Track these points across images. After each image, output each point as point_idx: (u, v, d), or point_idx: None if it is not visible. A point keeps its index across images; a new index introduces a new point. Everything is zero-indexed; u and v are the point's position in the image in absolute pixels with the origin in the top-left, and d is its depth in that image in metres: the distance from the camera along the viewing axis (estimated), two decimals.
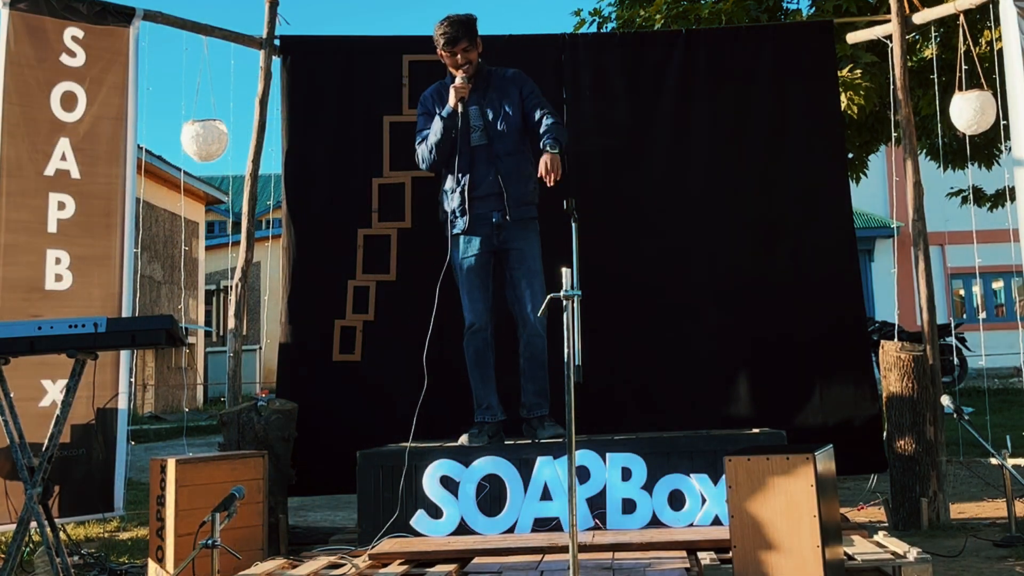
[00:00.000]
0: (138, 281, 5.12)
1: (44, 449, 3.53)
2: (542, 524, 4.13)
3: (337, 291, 5.25)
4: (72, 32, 4.93)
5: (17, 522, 3.59)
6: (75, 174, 4.88)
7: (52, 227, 4.80)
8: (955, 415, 4.68)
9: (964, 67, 5.27)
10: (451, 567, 3.68)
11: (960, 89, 5.26)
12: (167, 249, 16.57)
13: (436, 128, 4.56)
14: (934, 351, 5.08)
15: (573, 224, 3.45)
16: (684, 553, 3.73)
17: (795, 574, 3.08)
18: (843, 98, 6.58)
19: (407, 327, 5.17)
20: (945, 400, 4.81)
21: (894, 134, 6.89)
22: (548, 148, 4.42)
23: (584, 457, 4.18)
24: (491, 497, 4.18)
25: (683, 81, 5.43)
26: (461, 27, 4.49)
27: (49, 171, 4.82)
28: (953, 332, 11.91)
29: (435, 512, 4.18)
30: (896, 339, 5.23)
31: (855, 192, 5.91)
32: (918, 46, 8.03)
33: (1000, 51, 5.46)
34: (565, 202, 3.49)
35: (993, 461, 4.63)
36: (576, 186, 5.14)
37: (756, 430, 4.67)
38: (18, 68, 4.78)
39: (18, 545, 3.55)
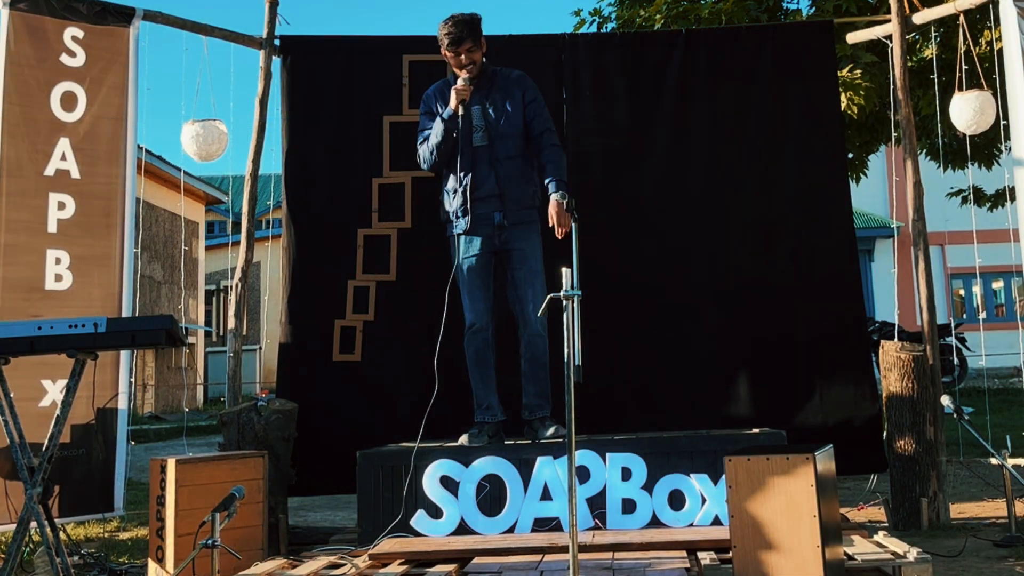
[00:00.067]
0: (138, 281, 5.12)
1: (44, 449, 3.53)
2: (542, 524, 4.13)
3: (337, 291, 5.25)
4: (72, 32, 4.93)
5: (17, 522, 3.59)
6: (75, 174, 4.88)
7: (52, 227, 4.80)
8: (955, 415, 4.68)
9: (964, 67, 5.27)
10: (451, 567, 3.68)
11: (960, 89, 5.26)
12: (167, 249, 16.57)
13: (437, 129, 4.56)
14: (934, 351, 5.08)
15: (573, 224, 3.46)
16: (684, 553, 3.73)
17: (795, 574, 3.08)
18: (843, 98, 6.58)
19: (407, 327, 5.19)
20: (945, 400, 4.81)
21: (894, 134, 6.89)
22: (552, 191, 4.43)
23: (584, 457, 4.18)
24: (491, 497, 4.18)
25: (683, 81, 5.43)
26: (465, 27, 4.48)
27: (49, 171, 4.82)
28: (953, 332, 11.91)
29: (435, 512, 4.18)
30: (896, 339, 5.23)
31: (855, 192, 5.91)
32: (918, 46, 8.03)
33: (1000, 51, 5.47)
34: (565, 202, 3.50)
35: (993, 461, 4.63)
36: (576, 186, 5.13)
37: (756, 430, 4.67)
38: (18, 68, 4.78)
39: (18, 545, 3.55)
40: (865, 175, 8.97)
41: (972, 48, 5.37)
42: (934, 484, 4.88)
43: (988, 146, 8.36)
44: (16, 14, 4.80)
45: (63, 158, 4.85)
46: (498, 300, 4.66)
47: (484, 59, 4.60)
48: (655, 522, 4.12)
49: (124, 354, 4.91)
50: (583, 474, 4.16)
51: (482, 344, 4.59)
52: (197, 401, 17.35)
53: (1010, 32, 4.98)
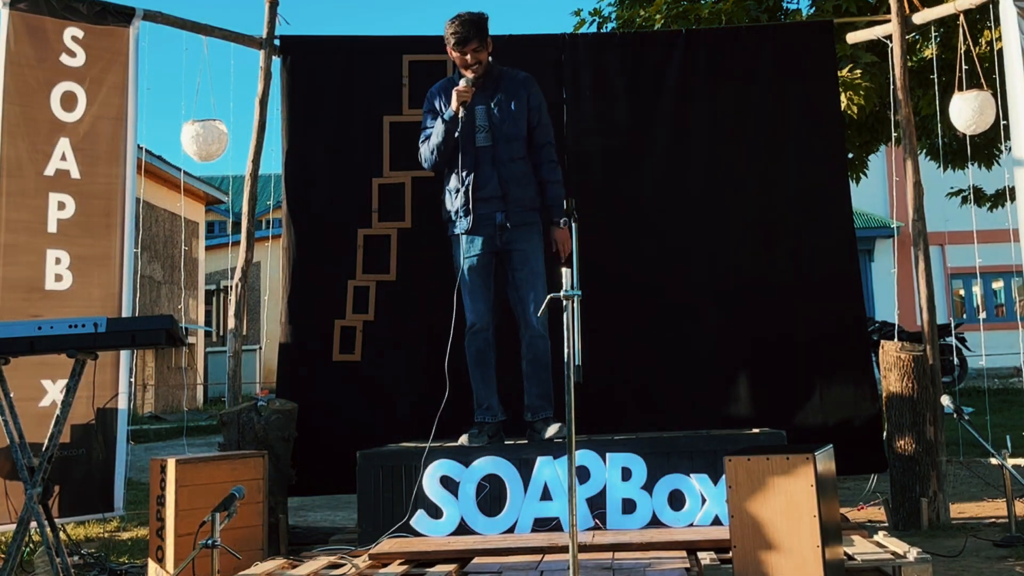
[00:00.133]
0: (138, 281, 5.12)
1: (44, 449, 3.53)
2: (542, 524, 4.13)
3: (337, 291, 5.25)
4: (72, 32, 4.93)
5: (17, 522, 3.59)
6: (75, 174, 4.88)
7: (52, 227, 4.80)
8: (955, 415, 4.68)
9: (964, 67, 5.27)
10: (451, 567, 3.68)
11: (960, 89, 5.26)
12: (167, 249, 16.57)
13: (438, 130, 4.56)
14: (934, 351, 5.08)
15: (573, 224, 3.46)
16: (684, 553, 3.73)
17: (795, 574, 3.08)
18: (843, 98, 6.58)
19: (407, 327, 5.19)
20: (945, 400, 4.81)
21: (894, 134, 6.89)
22: (554, 216, 4.58)
23: (584, 457, 4.17)
24: (491, 497, 4.18)
25: (683, 81, 5.43)
26: (472, 27, 4.46)
27: (49, 171, 4.82)
28: (953, 332, 11.91)
29: (435, 512, 4.18)
30: (896, 339, 5.23)
31: (855, 192, 5.90)
32: (918, 46, 8.04)
33: (1000, 51, 5.46)
34: (565, 202, 3.50)
35: (993, 461, 4.63)
36: (576, 186, 5.15)
37: (756, 430, 4.67)
38: (18, 68, 4.78)
39: (18, 545, 3.55)
40: (865, 175, 8.97)
41: (972, 48, 5.37)
42: (934, 484, 4.88)
43: (988, 146, 8.36)
44: (16, 14, 4.80)
45: (63, 158, 4.85)
46: (498, 300, 4.66)
47: (491, 59, 4.59)
48: (655, 522, 4.11)
49: (124, 354, 4.91)
50: (583, 474, 4.16)
51: (483, 344, 4.59)
52: (197, 401, 17.35)
53: (1010, 32, 4.98)
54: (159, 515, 4.04)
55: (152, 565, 4.05)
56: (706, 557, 3.66)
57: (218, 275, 19.61)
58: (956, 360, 11.89)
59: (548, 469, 4.18)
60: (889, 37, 5.42)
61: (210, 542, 3.26)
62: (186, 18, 5.26)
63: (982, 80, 5.33)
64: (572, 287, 3.10)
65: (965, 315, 20.30)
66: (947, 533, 4.69)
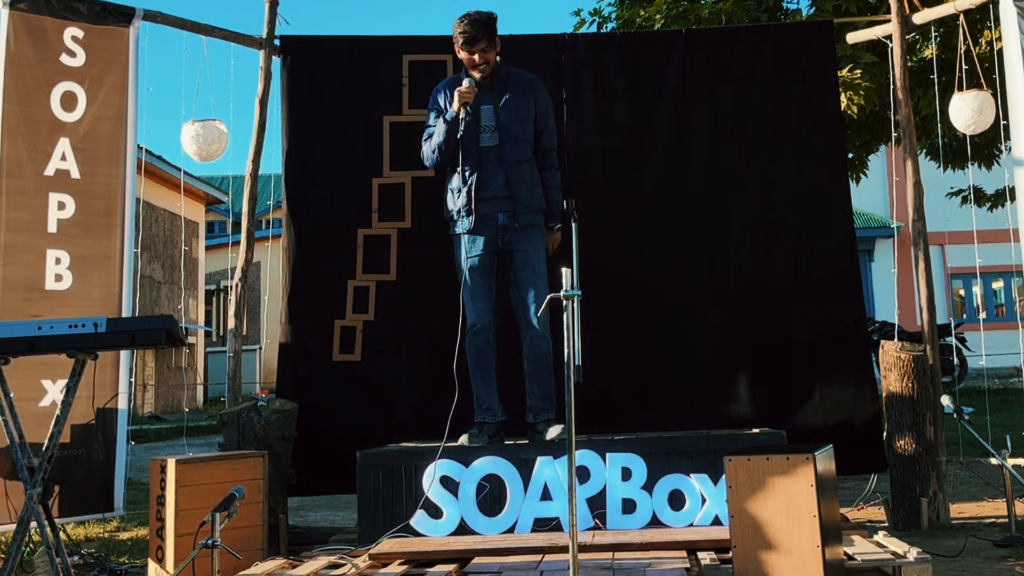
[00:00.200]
0: (138, 281, 5.12)
1: (44, 449, 3.54)
2: (542, 524, 4.13)
3: (337, 291, 5.25)
4: (72, 32, 4.93)
5: (17, 522, 3.59)
6: (75, 174, 4.88)
7: (52, 227, 4.80)
8: (955, 415, 4.68)
9: (964, 67, 5.27)
10: (451, 567, 3.68)
11: (960, 89, 5.26)
12: (167, 249, 16.57)
13: (440, 130, 4.55)
14: (934, 351, 5.08)
15: (573, 224, 3.46)
16: (684, 553, 3.73)
17: (795, 574, 3.08)
18: (843, 98, 6.58)
19: (407, 327, 5.19)
20: (945, 400, 4.81)
21: (894, 134, 6.89)
22: (549, 222, 4.67)
23: (584, 457, 4.17)
24: (491, 497, 4.18)
25: (683, 81, 5.43)
26: (481, 26, 4.44)
27: (49, 171, 4.82)
28: (953, 332, 11.91)
29: (435, 512, 4.18)
30: (896, 339, 5.23)
31: (855, 192, 5.91)
32: (918, 46, 8.03)
33: (1000, 51, 5.47)
34: (565, 202, 3.51)
35: (993, 461, 4.63)
36: (576, 186, 5.15)
37: (756, 430, 4.67)
38: (18, 68, 4.78)
39: (18, 545, 3.55)
40: (865, 175, 8.97)
41: (972, 48, 5.37)
42: (934, 484, 4.88)
43: (988, 146, 8.36)
44: (16, 14, 4.80)
45: (63, 158, 4.85)
46: (500, 300, 4.66)
47: (498, 58, 4.58)
48: (655, 522, 4.11)
49: (124, 354, 4.91)
50: (583, 474, 4.16)
51: (483, 344, 4.59)
52: (197, 401, 17.35)
53: (1010, 32, 4.98)
54: (159, 515, 4.04)
55: (152, 565, 4.05)
56: (706, 557, 3.66)
57: (218, 275, 19.61)
58: (956, 360, 11.89)
59: (548, 469, 4.18)
60: (889, 37, 5.42)
61: (210, 542, 3.26)
62: (186, 18, 5.27)
63: (982, 80, 5.33)
64: (572, 287, 3.11)
65: (965, 315, 20.30)
66: (947, 533, 4.69)
